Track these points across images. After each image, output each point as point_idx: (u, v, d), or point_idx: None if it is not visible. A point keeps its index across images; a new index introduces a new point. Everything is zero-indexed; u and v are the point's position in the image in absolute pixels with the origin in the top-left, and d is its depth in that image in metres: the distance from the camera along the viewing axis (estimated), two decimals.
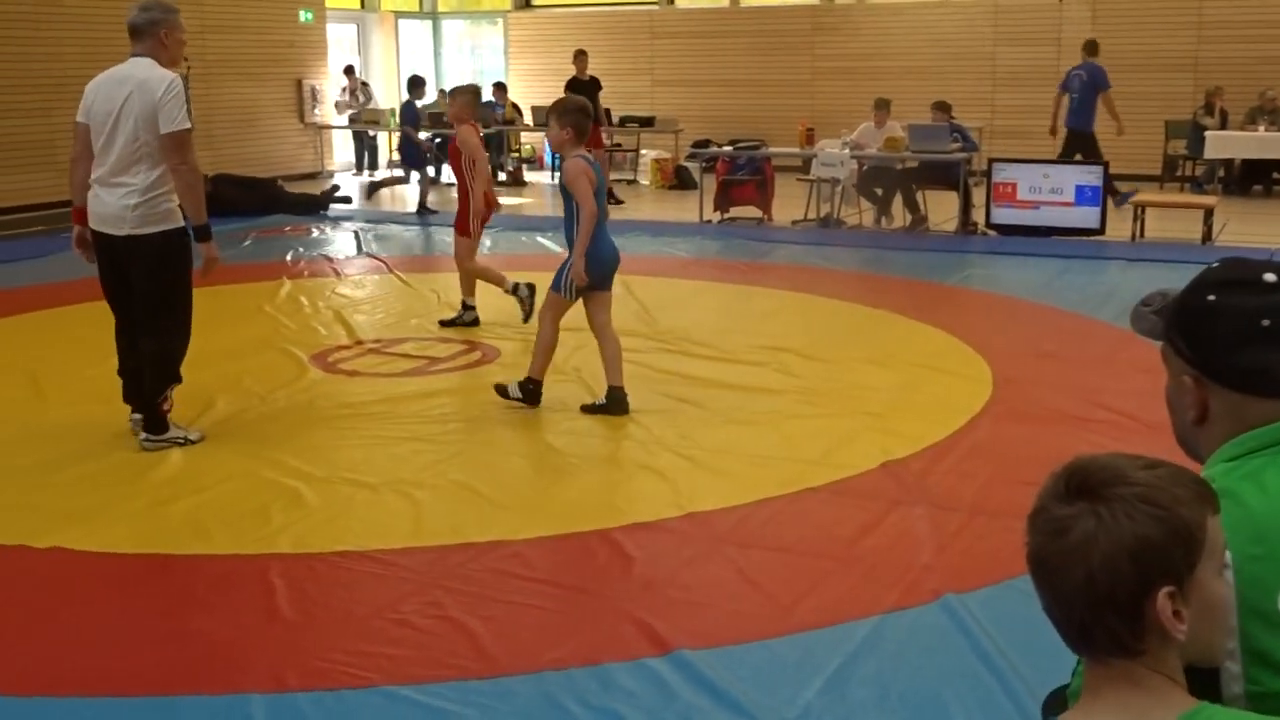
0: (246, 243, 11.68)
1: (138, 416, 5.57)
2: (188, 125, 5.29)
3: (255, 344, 7.48)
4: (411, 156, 15.29)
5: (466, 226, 7.81)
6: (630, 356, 7.05)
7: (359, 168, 18.65)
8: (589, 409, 5.94)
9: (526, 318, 7.64)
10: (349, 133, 18.73)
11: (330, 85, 18.56)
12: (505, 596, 3.93)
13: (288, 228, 12.75)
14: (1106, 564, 1.40)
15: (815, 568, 4.14)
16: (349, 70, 18.67)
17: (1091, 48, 13.40)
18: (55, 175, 14.35)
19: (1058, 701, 1.93)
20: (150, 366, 5.45)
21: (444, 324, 7.87)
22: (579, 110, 5.94)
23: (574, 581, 4.03)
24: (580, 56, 14.71)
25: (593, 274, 5.84)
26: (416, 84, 15.08)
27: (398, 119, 17.93)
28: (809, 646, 3.59)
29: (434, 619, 3.77)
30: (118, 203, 5.28)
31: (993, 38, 17.11)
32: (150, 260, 5.35)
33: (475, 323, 7.88)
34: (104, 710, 3.28)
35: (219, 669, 3.49)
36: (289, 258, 10.78)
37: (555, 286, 5.94)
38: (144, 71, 5.31)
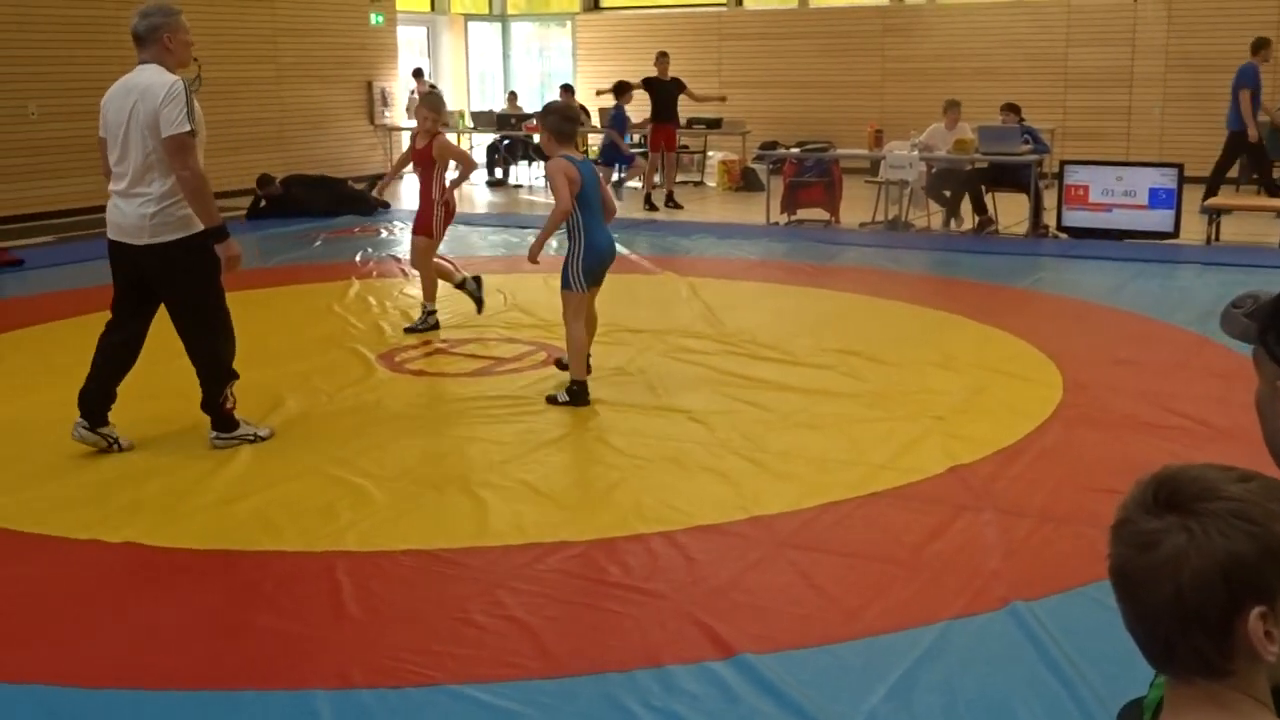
0: (317, 243, 11.82)
1: (82, 421, 5.46)
2: (188, 128, 5.19)
3: (324, 343, 7.55)
4: (613, 156, 15.29)
5: (429, 228, 7.83)
6: (696, 358, 7.06)
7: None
8: (552, 400, 6.13)
9: (480, 309, 7.97)
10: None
11: (400, 87, 18.72)
12: (568, 597, 3.93)
13: (357, 229, 12.87)
14: (1196, 581, 1.34)
15: (881, 572, 4.10)
16: (417, 73, 18.81)
17: (1256, 45, 12.88)
18: None
19: (1133, 713, 1.89)
20: (201, 370, 5.50)
21: (408, 330, 7.84)
22: (557, 114, 6.23)
23: (637, 583, 4.02)
24: (662, 58, 14.71)
25: (588, 267, 6.06)
26: (623, 89, 14.72)
27: (468, 121, 18.07)
28: (874, 652, 3.55)
29: (498, 618, 3.78)
30: (135, 212, 5.29)
31: (1066, 39, 16.89)
32: (172, 269, 5.34)
33: (436, 326, 7.89)
34: (171, 704, 3.32)
35: (285, 665, 3.52)
36: (358, 258, 10.88)
37: (565, 285, 6.12)
38: (148, 78, 5.27)
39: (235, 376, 5.58)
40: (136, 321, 5.61)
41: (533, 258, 6.22)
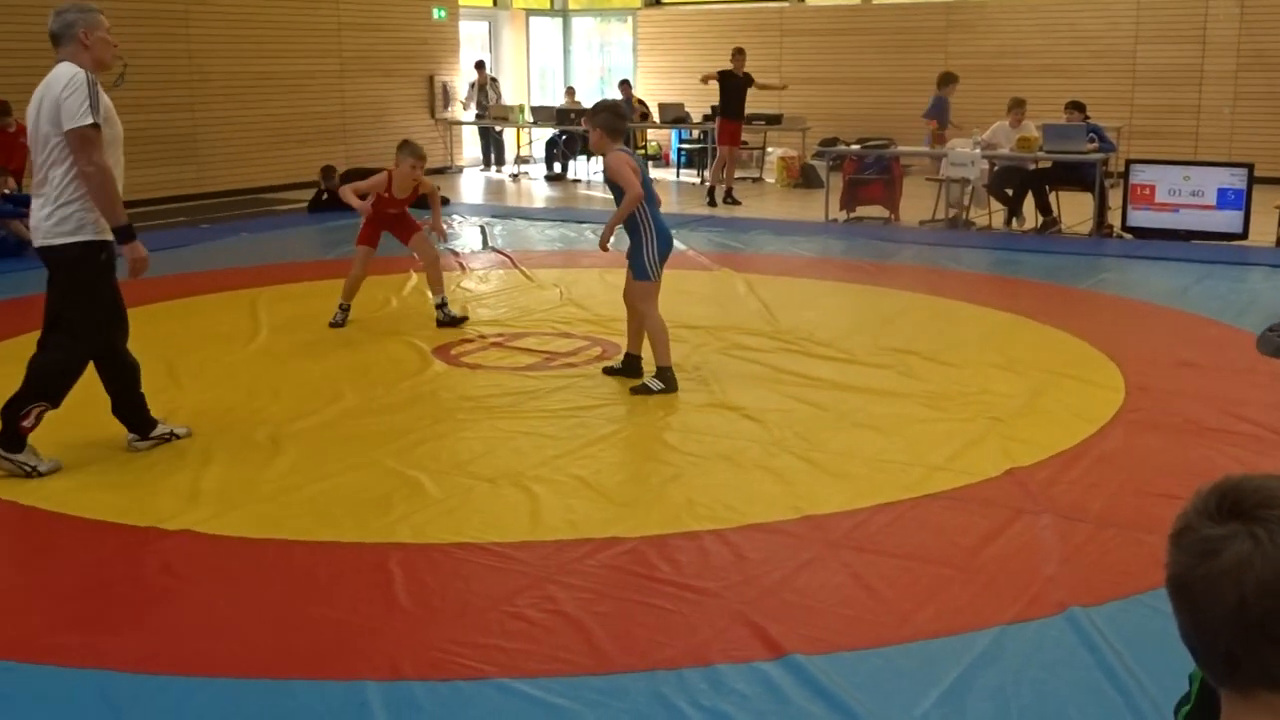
0: None
1: (133, 436, 5.38)
2: (90, 120, 4.89)
3: (381, 336, 7.61)
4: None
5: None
6: (752, 356, 7.03)
7: (486, 164, 18.85)
8: (644, 390, 6.20)
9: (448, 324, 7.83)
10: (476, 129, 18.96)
11: (461, 81, 18.81)
12: (619, 593, 3.93)
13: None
14: (1261, 590, 1.30)
15: (935, 575, 4.06)
16: (479, 65, 18.87)
17: None
18: (197, 168, 14.83)
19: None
20: (27, 375, 5.12)
21: (441, 324, 7.83)
22: (606, 110, 6.36)
23: (688, 581, 4.01)
24: (739, 54, 14.65)
25: (661, 253, 6.24)
26: (949, 79, 14.04)
27: (527, 116, 18.13)
28: (926, 656, 3.52)
29: (549, 614, 3.78)
30: (38, 213, 5.01)
31: (1134, 35, 16.64)
32: (58, 273, 5.06)
33: (463, 319, 7.95)
34: (223, 691, 3.36)
35: (337, 655, 3.54)
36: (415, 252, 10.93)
37: (642, 275, 6.26)
38: (55, 73, 5.00)
39: (52, 402, 5.15)
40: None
41: (603, 245, 6.44)
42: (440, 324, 7.78)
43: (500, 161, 18.85)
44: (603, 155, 6.37)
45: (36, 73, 12.53)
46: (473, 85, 18.70)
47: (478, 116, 18.45)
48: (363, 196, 7.76)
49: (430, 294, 7.98)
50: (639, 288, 6.31)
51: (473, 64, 18.97)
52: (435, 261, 8.02)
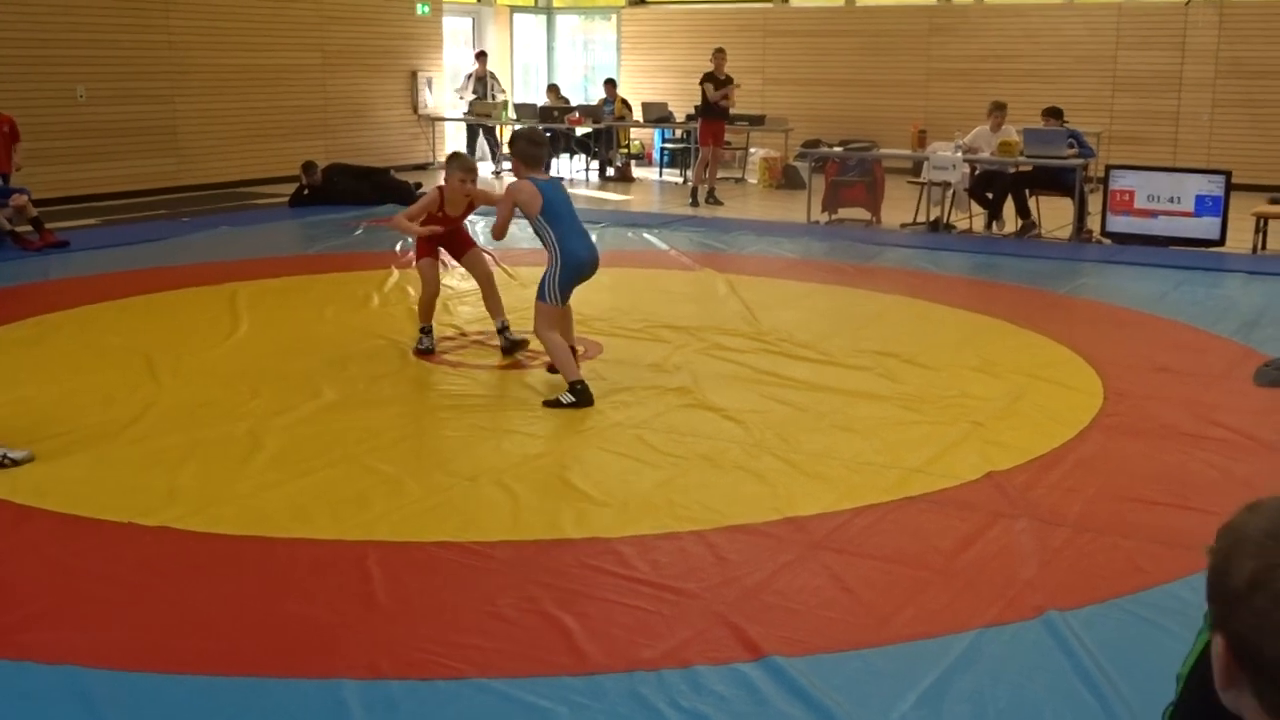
0: (358, 231, 11.86)
1: None
2: None
3: (361, 333, 7.58)
4: None
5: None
6: (733, 356, 7.03)
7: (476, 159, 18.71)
8: (554, 404, 6.01)
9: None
10: (462, 124, 18.89)
11: (447, 76, 18.74)
12: (599, 594, 3.93)
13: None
14: None
15: (914, 578, 4.07)
16: (481, 55, 18.76)
17: None
18: (176, 161, 14.75)
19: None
20: None
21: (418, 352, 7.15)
22: (522, 139, 6.34)
23: (668, 582, 4.01)
24: (719, 54, 14.64)
25: (564, 281, 6.17)
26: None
27: (510, 113, 18.08)
28: (905, 658, 3.53)
29: (528, 613, 3.78)
30: None
31: (1115, 41, 16.72)
32: None
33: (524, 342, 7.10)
34: (201, 689, 3.34)
35: (314, 653, 3.53)
36: (398, 247, 10.90)
37: (540, 297, 6.16)
38: None
39: None
40: None
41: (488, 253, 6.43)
42: (505, 351, 7.03)
43: (493, 159, 18.74)
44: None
45: (27, 62, 12.37)
46: (470, 76, 18.62)
47: (467, 112, 18.36)
48: (418, 220, 7.12)
49: (491, 316, 7.24)
50: (536, 306, 6.20)
51: (474, 54, 18.90)
52: (490, 280, 7.23)
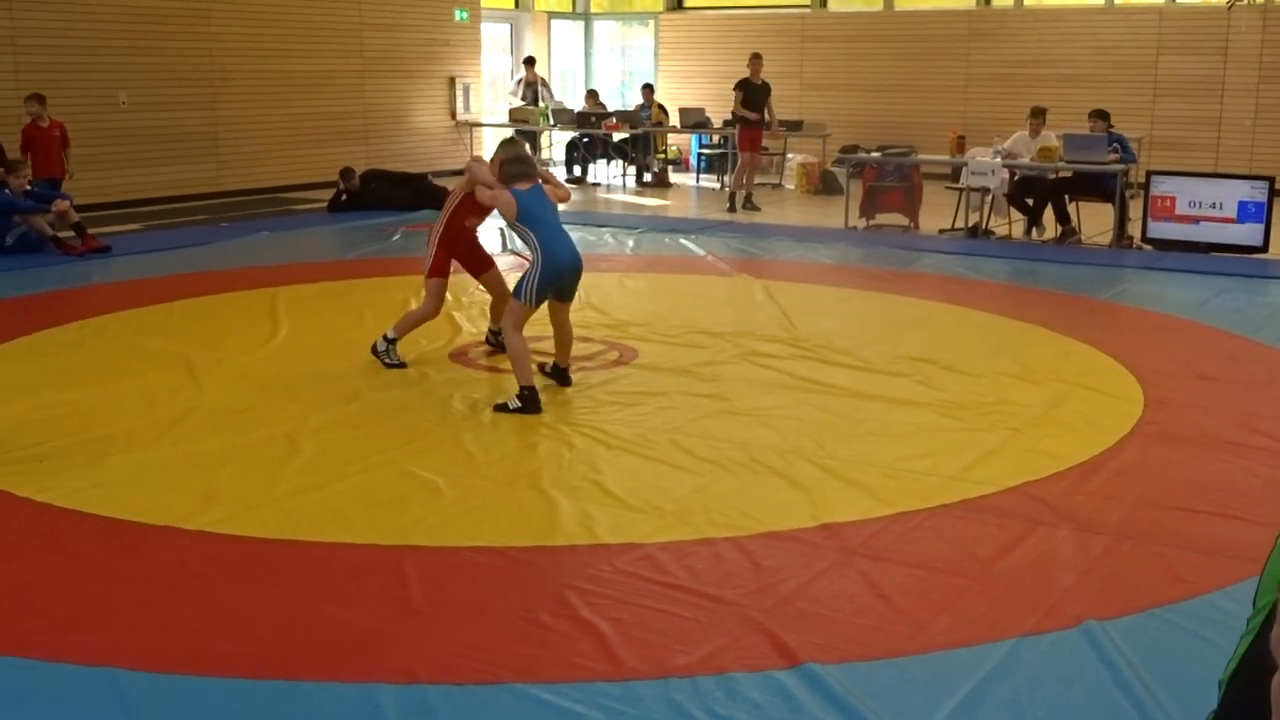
0: (396, 236, 11.92)
1: None
2: None
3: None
4: None
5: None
6: (770, 362, 7.01)
7: None
8: (502, 408, 6.03)
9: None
10: (505, 131, 18.92)
11: (485, 85, 18.81)
12: (635, 599, 3.92)
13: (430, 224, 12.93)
14: None
15: (951, 586, 4.05)
16: (529, 61, 18.83)
17: None
18: (217, 167, 14.87)
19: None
20: None
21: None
22: (510, 161, 6.34)
23: (704, 588, 4.00)
24: (756, 59, 14.62)
25: (544, 283, 6.18)
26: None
27: (549, 119, 18.13)
28: (941, 667, 3.51)
29: (563, 619, 3.78)
30: None
31: (1156, 46, 16.57)
32: None
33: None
34: (237, 692, 3.36)
35: (351, 657, 3.55)
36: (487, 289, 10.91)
37: (516, 294, 6.22)
38: None
39: None
40: None
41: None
42: (491, 345, 7.30)
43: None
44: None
45: (70, 69, 12.53)
46: (520, 80, 18.69)
47: (510, 113, 18.40)
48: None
49: (491, 321, 7.34)
50: (510, 303, 6.30)
51: (523, 60, 18.96)
52: (505, 300, 6.83)
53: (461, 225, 6.99)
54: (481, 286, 7.41)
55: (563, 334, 6.54)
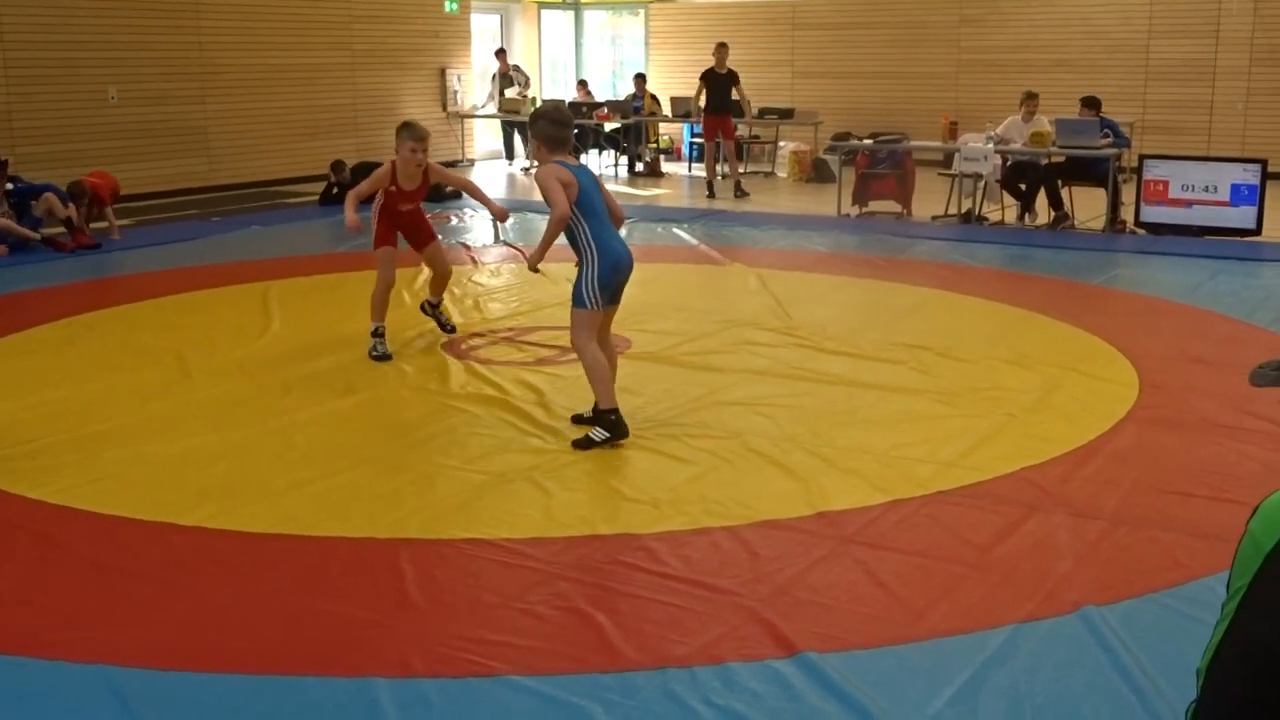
0: None
1: None
2: None
3: (392, 330, 7.56)
4: None
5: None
6: (763, 351, 7.00)
7: (509, 156, 18.70)
8: (586, 444, 5.32)
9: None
10: (496, 121, 18.89)
11: (475, 76, 18.75)
12: (632, 590, 3.91)
13: (427, 215, 12.89)
14: None
15: (948, 573, 4.04)
16: (500, 53, 18.78)
17: None
18: (207, 161, 14.82)
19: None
20: None
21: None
22: (543, 118, 5.50)
23: (701, 578, 3.99)
24: (720, 49, 14.63)
25: (604, 281, 5.36)
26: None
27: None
28: (940, 654, 3.50)
29: (560, 610, 3.77)
30: None
31: (1148, 30, 16.56)
32: None
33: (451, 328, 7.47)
34: (234, 687, 3.35)
35: (347, 651, 3.53)
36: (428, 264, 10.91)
37: (579, 302, 5.36)
38: None
39: None
40: None
41: (532, 266, 5.55)
42: (424, 312, 7.48)
43: (528, 155, 18.68)
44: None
45: (59, 64, 12.48)
46: (494, 75, 18.64)
47: (502, 104, 18.37)
48: (368, 200, 6.86)
49: (430, 294, 7.52)
50: (572, 314, 5.41)
51: (494, 52, 18.91)
52: (446, 276, 7.36)
53: (396, 209, 7.01)
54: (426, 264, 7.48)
55: (610, 354, 5.58)
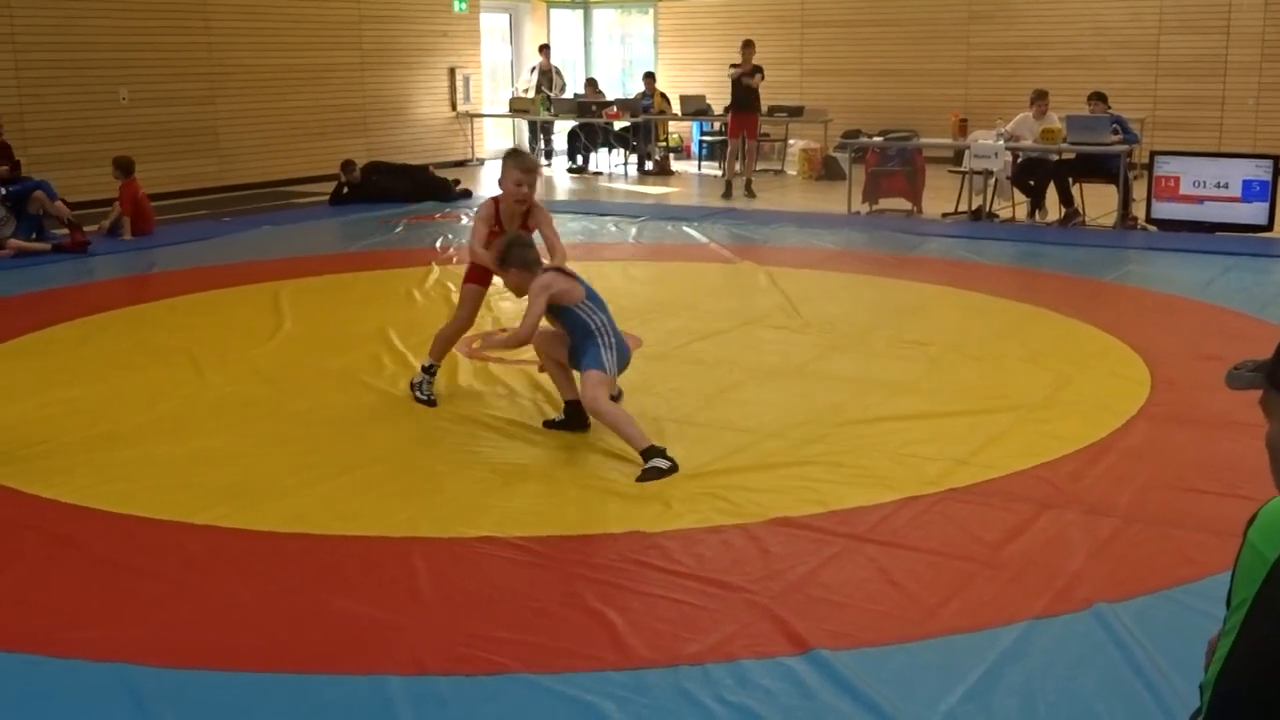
0: (398, 229, 11.91)
1: None
2: None
3: (402, 328, 7.59)
4: None
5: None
6: (773, 349, 7.01)
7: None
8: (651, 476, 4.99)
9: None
10: (506, 120, 18.92)
11: (486, 75, 18.78)
12: (643, 588, 3.91)
13: (438, 214, 12.96)
14: None
15: (960, 570, 4.03)
16: (544, 48, 18.83)
17: None
18: (218, 162, 14.86)
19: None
20: None
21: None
22: (517, 245, 5.46)
23: (712, 575, 3.99)
24: (747, 47, 14.50)
25: (616, 370, 5.37)
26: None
27: (550, 108, 18.10)
28: (952, 651, 3.49)
29: (572, 608, 3.77)
30: None
31: (1158, 26, 16.52)
32: None
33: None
34: (247, 686, 3.36)
35: (361, 650, 3.54)
36: (438, 244, 10.96)
37: (595, 364, 5.26)
38: None
39: None
40: None
41: (485, 351, 5.31)
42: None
43: (549, 154, 18.72)
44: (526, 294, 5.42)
45: (72, 65, 12.49)
46: (534, 69, 18.69)
47: (511, 103, 18.39)
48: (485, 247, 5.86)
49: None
50: (589, 375, 5.27)
51: (538, 47, 18.98)
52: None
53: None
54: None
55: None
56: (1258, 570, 1.80)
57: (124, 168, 11.23)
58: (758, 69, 14.40)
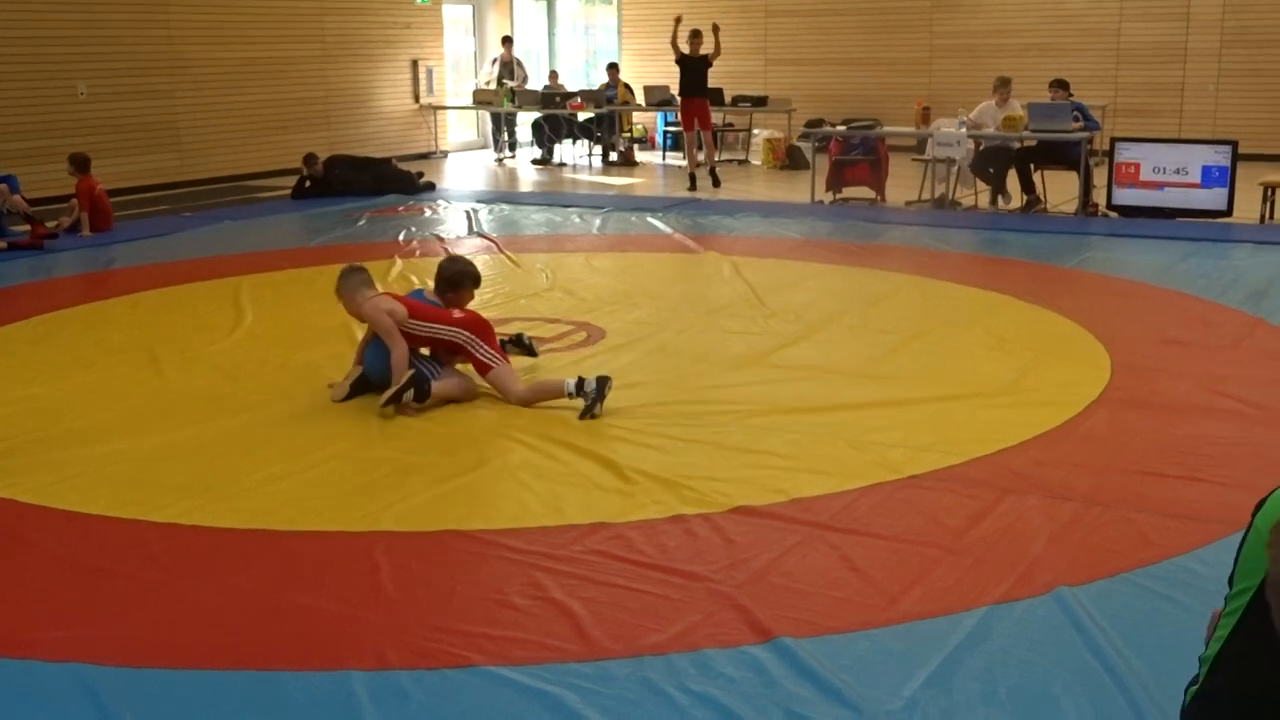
0: (361, 222, 11.85)
1: None
2: None
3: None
4: None
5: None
6: (738, 339, 7.01)
7: (497, 147, 18.62)
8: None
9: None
10: (469, 112, 18.85)
11: (449, 67, 18.71)
12: (606, 579, 3.91)
13: (401, 208, 12.90)
14: None
15: (922, 556, 4.05)
16: (506, 40, 18.77)
17: None
18: (178, 157, 14.74)
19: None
20: None
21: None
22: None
23: (675, 565, 3.99)
24: (695, 37, 14.52)
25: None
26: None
27: (513, 100, 18.04)
28: (914, 637, 3.51)
29: (535, 600, 3.77)
30: None
31: (1119, 13, 16.62)
32: None
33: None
34: (209, 683, 3.33)
35: (323, 645, 3.52)
36: (401, 237, 10.91)
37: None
38: None
39: None
40: None
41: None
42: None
43: (512, 147, 18.63)
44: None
45: (28, 60, 12.31)
46: (495, 60, 18.60)
47: (474, 94, 18.32)
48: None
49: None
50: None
51: (500, 39, 18.91)
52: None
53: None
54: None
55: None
56: (1261, 559, 1.80)
57: (79, 164, 11.13)
58: (706, 60, 14.34)
